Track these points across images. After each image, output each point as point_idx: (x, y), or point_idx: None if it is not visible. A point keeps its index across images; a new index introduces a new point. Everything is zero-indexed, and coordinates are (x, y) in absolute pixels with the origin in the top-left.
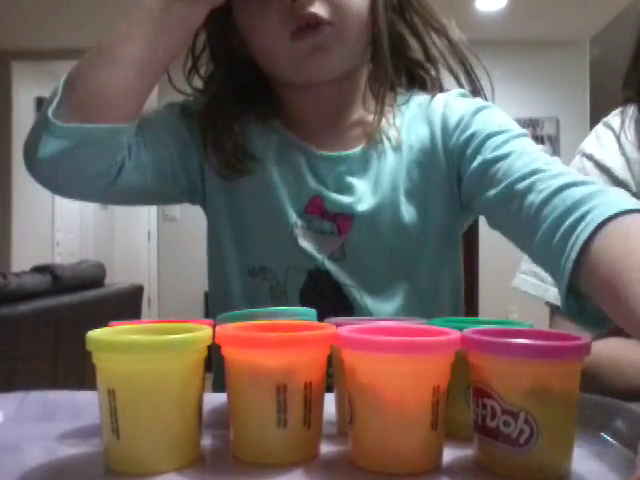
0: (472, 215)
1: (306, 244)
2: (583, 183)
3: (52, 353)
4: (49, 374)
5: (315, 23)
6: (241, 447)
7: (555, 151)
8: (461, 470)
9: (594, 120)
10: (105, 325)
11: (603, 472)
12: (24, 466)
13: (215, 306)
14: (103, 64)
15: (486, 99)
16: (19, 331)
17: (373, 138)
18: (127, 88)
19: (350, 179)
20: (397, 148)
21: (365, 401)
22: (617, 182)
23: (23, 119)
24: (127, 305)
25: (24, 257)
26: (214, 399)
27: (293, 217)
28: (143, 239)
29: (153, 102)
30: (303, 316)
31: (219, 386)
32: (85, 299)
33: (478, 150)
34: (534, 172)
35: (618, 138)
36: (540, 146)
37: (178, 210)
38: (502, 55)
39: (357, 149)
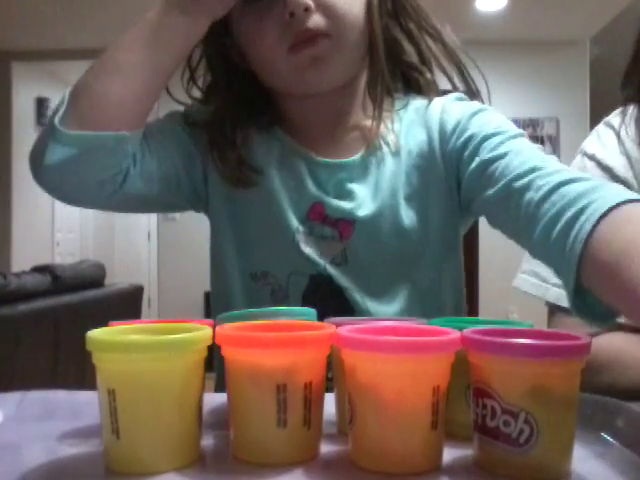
0: (472, 217)
1: (308, 250)
2: (581, 179)
3: (52, 353)
4: (49, 374)
5: (313, 36)
6: (241, 447)
7: (555, 151)
8: (461, 470)
9: (594, 120)
10: (105, 325)
11: (603, 472)
12: (24, 466)
13: (217, 308)
14: (108, 73)
15: (482, 101)
16: (19, 331)
17: (372, 144)
18: (131, 97)
19: (350, 185)
20: (396, 153)
21: (365, 401)
22: (619, 181)
23: (23, 119)
24: (127, 305)
25: (24, 257)
26: (214, 399)
27: (295, 223)
28: (143, 239)
29: (153, 110)
30: (303, 316)
31: (222, 386)
32: (85, 299)
33: (475, 152)
34: (532, 170)
35: (619, 137)
36: (537, 145)
37: None
38: (502, 55)
39: (357, 156)
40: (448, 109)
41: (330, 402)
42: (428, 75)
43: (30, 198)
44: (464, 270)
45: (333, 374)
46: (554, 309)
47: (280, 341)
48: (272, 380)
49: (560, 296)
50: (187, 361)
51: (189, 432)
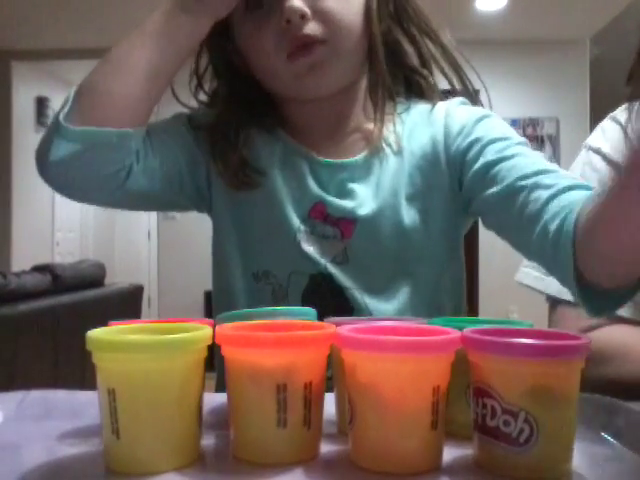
0: (471, 218)
1: (309, 248)
2: (588, 187)
3: (52, 353)
4: (49, 374)
5: (310, 42)
6: (241, 447)
7: (555, 151)
8: (461, 470)
9: (594, 119)
10: (105, 325)
11: (603, 472)
12: (24, 466)
13: (219, 308)
14: (113, 72)
15: (481, 103)
16: (19, 331)
17: (374, 145)
18: (135, 95)
19: (352, 185)
20: (398, 154)
21: (365, 401)
22: None
23: (23, 119)
24: (127, 305)
25: (24, 257)
26: (214, 399)
27: (296, 222)
28: (143, 239)
29: (153, 111)
30: (303, 316)
31: (222, 386)
32: (85, 299)
33: (480, 153)
34: (539, 172)
35: (626, 132)
36: (540, 152)
37: None
38: (502, 55)
39: (359, 156)
40: (453, 113)
41: (330, 402)
42: (430, 79)
43: (30, 198)
44: (464, 270)
45: (333, 374)
46: (555, 302)
47: (280, 341)
48: (272, 380)
49: (562, 289)
50: (187, 361)
51: (189, 432)
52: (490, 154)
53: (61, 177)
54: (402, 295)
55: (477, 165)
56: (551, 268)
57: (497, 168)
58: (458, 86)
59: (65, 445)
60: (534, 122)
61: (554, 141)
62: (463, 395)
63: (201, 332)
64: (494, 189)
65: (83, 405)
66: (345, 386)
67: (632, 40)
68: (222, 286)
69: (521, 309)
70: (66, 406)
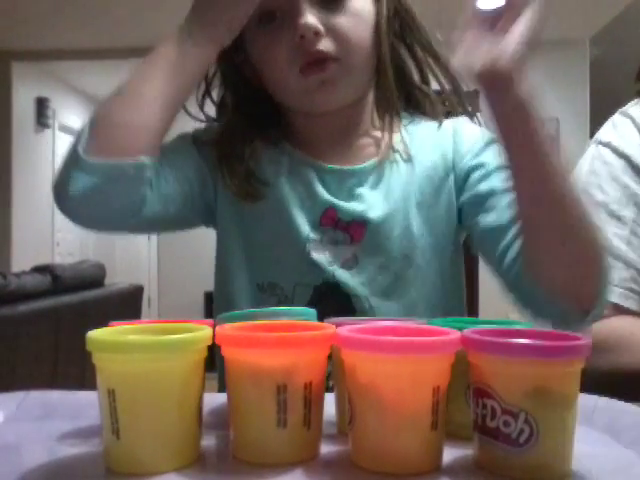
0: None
1: (319, 256)
2: None
3: (52, 353)
4: (49, 374)
5: (322, 59)
6: (241, 447)
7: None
8: (461, 470)
9: (594, 120)
10: (105, 325)
11: (603, 472)
12: (24, 466)
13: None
14: (127, 104)
15: (479, 122)
16: (19, 331)
17: (384, 152)
18: (150, 125)
19: (361, 190)
20: (408, 162)
21: (365, 401)
22: (636, 169)
23: (23, 119)
24: (127, 305)
25: (24, 257)
26: (214, 399)
27: (306, 231)
28: (143, 239)
29: None
30: (303, 316)
31: (224, 386)
32: (85, 299)
33: (485, 177)
34: None
35: (637, 126)
36: None
37: None
38: None
39: (368, 163)
40: (461, 130)
41: (330, 402)
42: (431, 96)
43: (30, 198)
44: (464, 270)
45: (333, 374)
46: None
47: (280, 341)
48: (272, 380)
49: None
50: (187, 361)
51: (189, 432)
52: (494, 181)
53: (81, 210)
54: (407, 298)
55: (479, 188)
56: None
57: (497, 198)
58: (455, 103)
59: (65, 445)
60: None
61: (554, 141)
62: (463, 395)
63: (201, 332)
64: (490, 218)
65: (83, 405)
66: (345, 386)
67: (632, 40)
68: (225, 296)
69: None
70: (66, 406)
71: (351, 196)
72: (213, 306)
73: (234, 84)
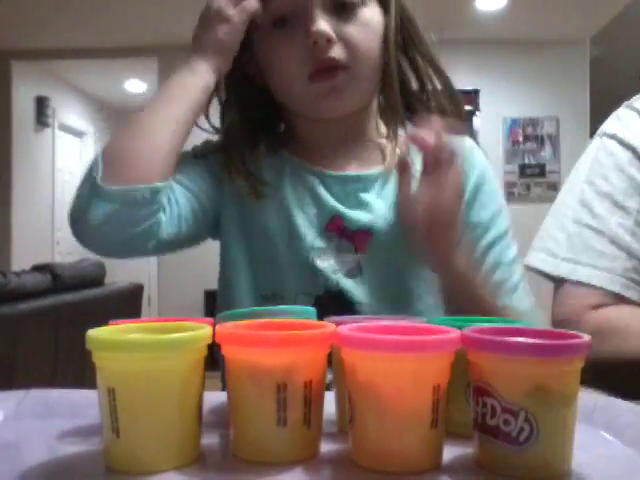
0: None
1: (324, 264)
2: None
3: (52, 352)
4: (49, 373)
5: (333, 67)
6: (241, 446)
7: (555, 150)
8: (461, 469)
9: (594, 119)
10: (105, 324)
11: (603, 471)
12: (24, 465)
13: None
14: (135, 132)
15: (473, 138)
16: (19, 330)
17: (391, 160)
18: (159, 149)
19: (367, 197)
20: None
21: (365, 400)
22: None
23: (23, 118)
24: (127, 304)
25: (24, 256)
26: (214, 398)
27: (311, 240)
28: None
29: None
30: (303, 315)
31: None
32: (85, 298)
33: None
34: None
35: None
36: (514, 250)
37: None
38: (502, 55)
39: (374, 170)
40: (468, 154)
41: (330, 401)
42: (431, 105)
43: (30, 198)
44: None
45: (333, 373)
46: (561, 282)
47: (280, 340)
48: (272, 379)
49: (571, 270)
50: (187, 360)
51: (189, 431)
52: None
53: (100, 238)
54: (411, 309)
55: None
56: None
57: (482, 258)
58: (451, 110)
59: (65, 444)
60: (534, 122)
61: (554, 141)
62: (463, 394)
63: (201, 331)
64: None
65: (83, 404)
66: (345, 385)
67: (632, 40)
68: (228, 305)
69: None
70: (66, 405)
71: (357, 203)
72: (215, 312)
73: (237, 83)
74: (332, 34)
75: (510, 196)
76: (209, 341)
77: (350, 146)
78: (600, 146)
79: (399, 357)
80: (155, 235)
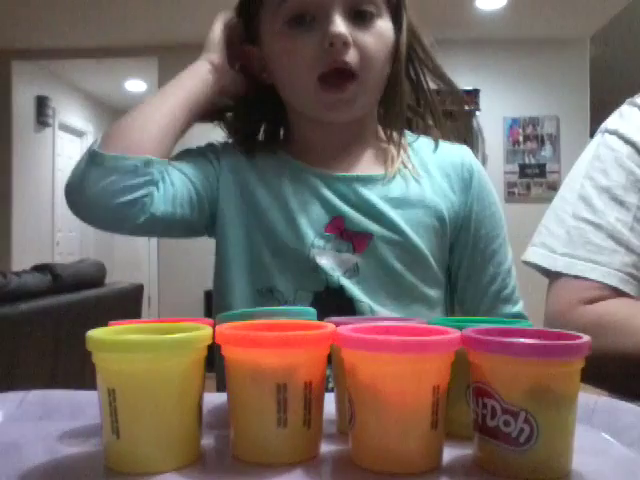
0: None
1: (324, 262)
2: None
3: (52, 353)
4: (49, 373)
5: (342, 71)
6: (241, 447)
7: (555, 150)
8: (461, 469)
9: (594, 118)
10: (105, 324)
11: (603, 472)
12: (24, 465)
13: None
14: (133, 116)
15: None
16: (19, 330)
17: (394, 165)
18: (158, 125)
19: (368, 198)
20: (417, 180)
21: (365, 400)
22: None
23: (23, 118)
24: (127, 304)
25: (24, 256)
26: (214, 399)
27: (311, 238)
28: (143, 239)
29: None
30: (303, 315)
31: (223, 386)
32: (85, 298)
33: (478, 242)
34: (499, 299)
35: None
36: (510, 258)
37: None
38: (502, 54)
39: (377, 173)
40: (470, 163)
41: (330, 401)
42: (429, 121)
43: (30, 198)
44: None
45: (333, 374)
46: (557, 276)
47: (280, 341)
48: (272, 380)
49: (569, 264)
50: (187, 361)
51: (189, 432)
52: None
53: (94, 206)
54: (409, 309)
55: (470, 247)
56: None
57: (482, 268)
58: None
59: (65, 445)
60: (534, 121)
61: (554, 140)
62: (463, 395)
63: (201, 332)
64: (470, 255)
65: (83, 405)
66: (345, 386)
67: (632, 40)
68: (224, 301)
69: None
70: (66, 406)
71: (359, 204)
72: (213, 311)
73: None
74: (349, 38)
75: (510, 196)
76: (209, 342)
77: (351, 148)
78: (601, 142)
79: (399, 358)
80: (147, 209)
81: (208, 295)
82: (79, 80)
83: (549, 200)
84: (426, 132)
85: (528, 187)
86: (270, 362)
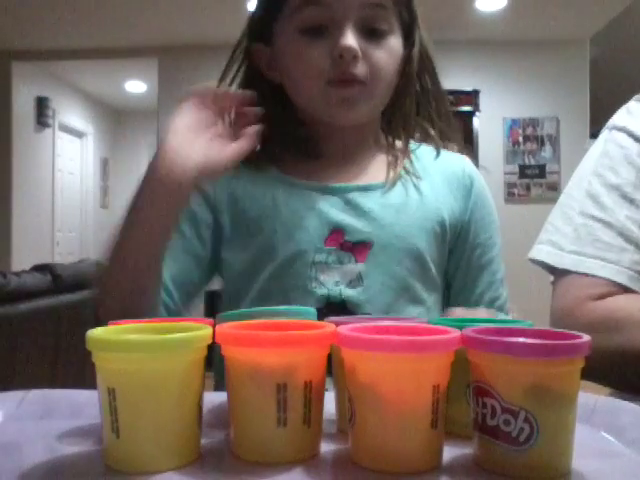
0: None
1: (326, 278)
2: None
3: (52, 352)
4: (49, 373)
5: (351, 80)
6: (241, 446)
7: (555, 151)
8: (461, 469)
9: (594, 119)
10: (105, 324)
11: (603, 471)
12: (24, 465)
13: None
14: (117, 266)
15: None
16: (19, 330)
17: (396, 173)
18: (143, 284)
19: (367, 207)
20: (417, 187)
21: (365, 400)
22: None
23: (23, 119)
24: None
25: (24, 257)
26: (214, 399)
27: (311, 255)
28: None
29: (153, 100)
30: (303, 315)
31: (221, 385)
32: (85, 298)
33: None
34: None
35: None
36: (503, 268)
37: None
38: (502, 55)
39: (374, 181)
40: (471, 172)
41: (330, 401)
42: (431, 131)
43: (30, 198)
44: None
45: (333, 373)
46: (564, 274)
47: (280, 340)
48: (272, 379)
49: (577, 262)
50: (187, 360)
51: (189, 431)
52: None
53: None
54: (412, 311)
55: (467, 253)
56: None
57: (478, 275)
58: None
59: (65, 444)
60: (534, 122)
61: (554, 141)
62: (463, 394)
63: (201, 332)
64: (464, 260)
65: (83, 404)
66: (345, 385)
67: (632, 40)
68: None
69: (521, 309)
70: (66, 405)
71: (358, 214)
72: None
73: (251, 75)
74: (359, 52)
75: (510, 197)
76: (209, 342)
77: (354, 155)
78: (609, 138)
79: (399, 357)
80: (164, 314)
81: (208, 295)
82: (79, 81)
83: (549, 201)
84: (427, 141)
85: (528, 188)
86: (270, 362)
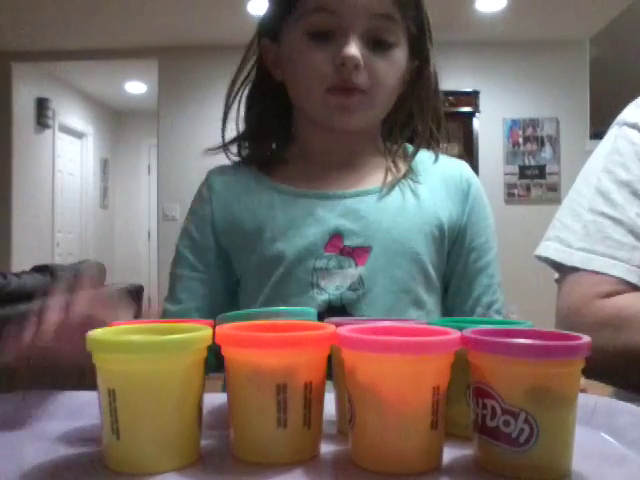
0: None
1: (327, 284)
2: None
3: None
4: (49, 374)
5: (351, 88)
6: (241, 447)
7: (555, 151)
8: (461, 470)
9: (594, 120)
10: (105, 325)
11: (603, 472)
12: (24, 466)
13: None
14: None
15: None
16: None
17: (394, 177)
18: None
19: (365, 212)
20: (415, 192)
21: (365, 401)
22: None
23: (23, 119)
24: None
25: (24, 257)
26: (214, 399)
27: (311, 262)
28: (143, 239)
29: (153, 100)
30: (303, 316)
31: None
32: None
33: (472, 254)
34: (488, 305)
35: None
36: (499, 272)
37: (178, 210)
38: (502, 55)
39: (371, 186)
40: (468, 176)
41: (330, 401)
42: (429, 137)
43: (30, 198)
44: None
45: (333, 374)
46: (571, 271)
47: (280, 341)
48: (272, 380)
49: (586, 260)
50: (187, 361)
51: (189, 432)
52: (472, 258)
53: None
54: (413, 313)
55: (464, 257)
56: None
57: (475, 278)
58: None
59: (65, 445)
60: (534, 122)
61: (554, 141)
62: (463, 395)
63: (201, 333)
64: (461, 266)
65: (83, 405)
66: (345, 386)
67: (632, 40)
68: None
69: (521, 309)
70: (66, 406)
71: (356, 219)
72: None
73: (261, 74)
74: (361, 62)
75: (510, 197)
76: (209, 343)
77: (353, 160)
78: (619, 135)
79: (399, 358)
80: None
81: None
82: (79, 82)
83: (549, 201)
84: (425, 146)
85: (528, 188)
86: (270, 363)
